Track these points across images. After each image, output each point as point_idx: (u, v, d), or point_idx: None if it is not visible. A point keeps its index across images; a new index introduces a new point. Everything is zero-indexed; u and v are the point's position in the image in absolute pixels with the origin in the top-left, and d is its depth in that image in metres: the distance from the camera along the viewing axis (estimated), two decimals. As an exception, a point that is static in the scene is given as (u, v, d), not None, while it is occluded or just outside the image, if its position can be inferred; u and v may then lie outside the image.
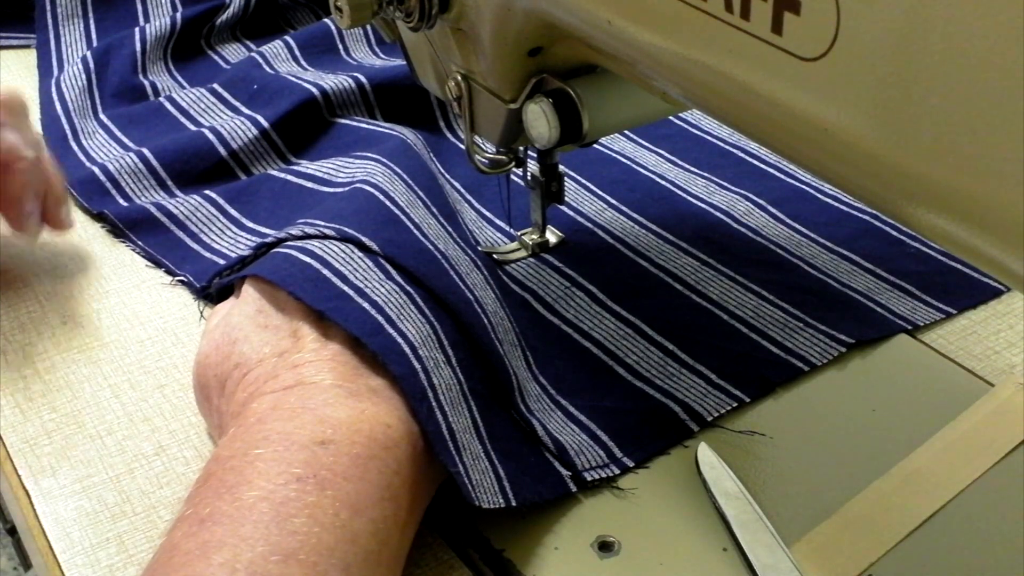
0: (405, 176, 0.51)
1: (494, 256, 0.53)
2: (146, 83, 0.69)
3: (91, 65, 0.69)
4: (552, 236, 0.54)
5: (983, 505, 0.40)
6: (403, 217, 0.46)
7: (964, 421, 0.43)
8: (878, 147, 0.27)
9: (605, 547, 0.38)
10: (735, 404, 0.44)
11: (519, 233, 0.54)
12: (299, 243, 0.42)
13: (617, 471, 0.41)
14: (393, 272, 0.41)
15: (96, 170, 0.58)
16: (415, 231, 0.45)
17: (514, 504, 0.38)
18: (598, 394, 0.45)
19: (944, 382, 0.46)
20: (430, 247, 0.44)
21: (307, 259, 0.41)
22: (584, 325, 0.48)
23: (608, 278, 0.51)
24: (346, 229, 0.43)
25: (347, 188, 0.49)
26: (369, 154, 0.54)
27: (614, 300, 0.50)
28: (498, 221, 0.56)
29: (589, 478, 0.40)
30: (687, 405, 0.44)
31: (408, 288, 0.40)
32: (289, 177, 0.57)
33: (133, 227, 0.55)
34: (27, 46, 0.77)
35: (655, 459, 0.42)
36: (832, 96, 0.27)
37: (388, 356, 0.37)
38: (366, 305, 0.39)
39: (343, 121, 0.62)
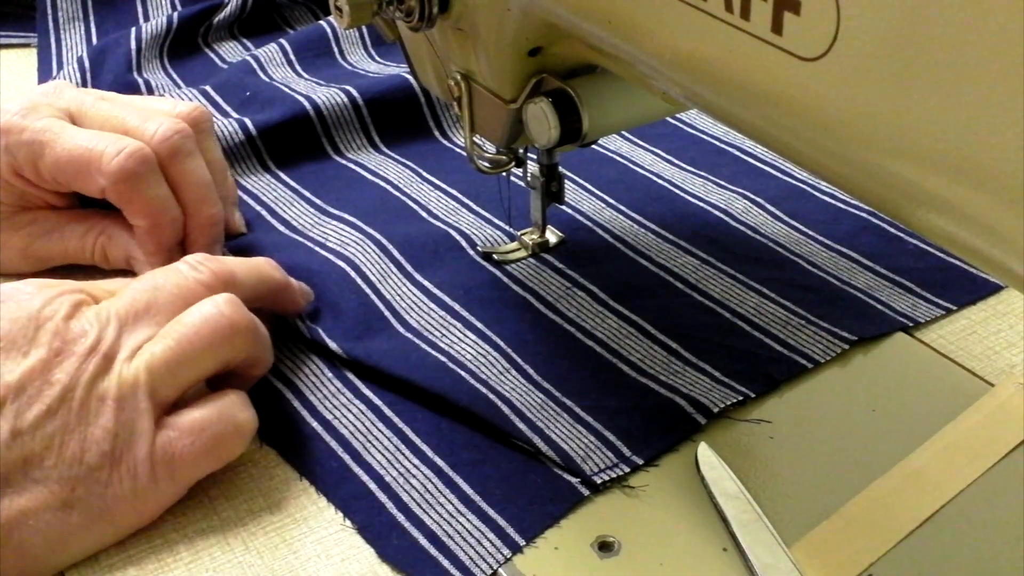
0: (379, 237, 0.53)
1: (494, 256, 0.53)
2: (140, 81, 0.69)
3: (86, 64, 0.69)
4: (552, 236, 0.54)
5: (983, 505, 0.40)
6: (374, 298, 0.50)
7: (964, 421, 0.43)
8: (877, 147, 0.27)
9: (605, 547, 0.38)
10: (740, 399, 0.44)
11: (519, 233, 0.54)
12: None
13: (627, 470, 0.41)
14: (360, 386, 0.45)
15: None
16: (386, 312, 0.49)
17: (523, 544, 0.38)
18: (603, 393, 0.45)
19: (944, 382, 0.46)
20: (400, 330, 0.48)
21: (280, 386, 0.45)
22: (586, 324, 0.48)
23: (609, 277, 0.51)
24: (317, 330, 0.47)
25: (321, 256, 0.52)
26: (346, 216, 0.56)
27: (616, 299, 0.50)
28: (497, 221, 0.56)
29: (599, 480, 0.40)
30: (693, 399, 0.44)
31: (375, 401, 0.44)
32: (262, 212, 0.57)
33: None
34: (27, 45, 0.77)
35: (665, 456, 0.42)
36: (832, 96, 0.27)
37: (352, 506, 0.40)
38: (333, 444, 0.42)
39: (338, 159, 0.62)
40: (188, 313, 0.39)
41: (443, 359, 0.45)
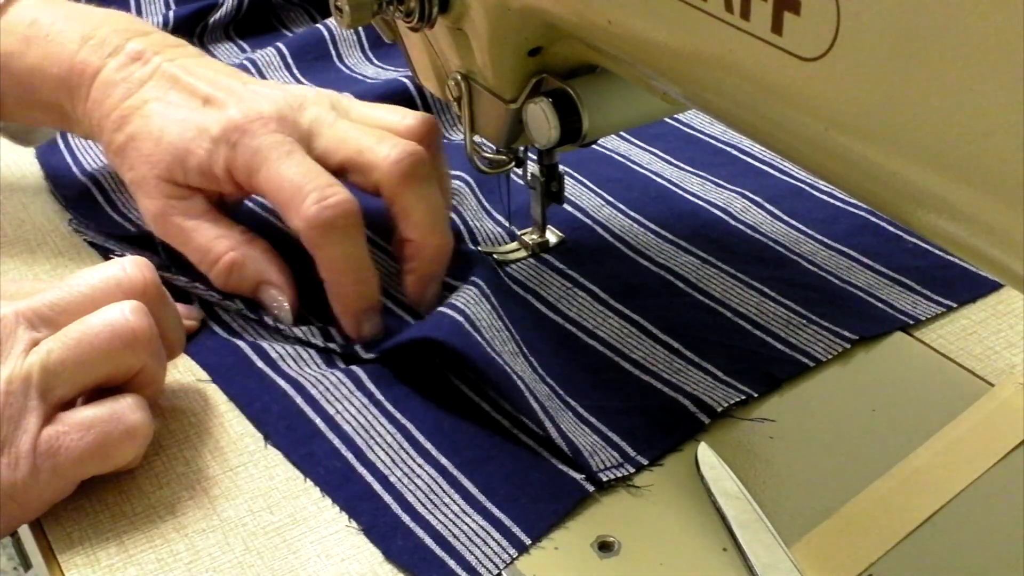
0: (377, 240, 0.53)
1: (494, 256, 0.53)
2: None
3: None
4: (552, 236, 0.54)
5: (983, 505, 0.40)
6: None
7: (964, 421, 0.43)
8: (878, 147, 0.27)
9: (605, 547, 0.38)
10: (743, 398, 0.44)
11: (519, 233, 0.54)
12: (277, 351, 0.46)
13: (632, 470, 0.41)
14: (364, 379, 0.45)
15: (84, 179, 0.59)
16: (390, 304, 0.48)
17: (529, 543, 0.38)
18: (606, 393, 0.45)
19: (944, 382, 0.46)
20: (407, 317, 0.47)
21: (283, 384, 0.45)
22: (588, 324, 0.48)
23: (609, 277, 0.51)
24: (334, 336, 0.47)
25: None
26: None
27: (616, 299, 0.50)
28: (497, 215, 0.56)
29: (604, 479, 0.40)
30: (696, 398, 0.44)
31: (378, 395, 0.44)
32: (270, 218, 0.57)
33: (117, 239, 0.54)
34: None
35: (667, 456, 0.42)
36: (832, 96, 0.27)
37: (357, 507, 0.40)
38: (336, 442, 0.42)
39: None
40: (93, 315, 0.39)
41: (460, 319, 0.44)
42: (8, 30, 0.52)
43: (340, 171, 0.47)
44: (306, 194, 0.45)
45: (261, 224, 0.53)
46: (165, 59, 0.50)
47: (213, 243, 0.48)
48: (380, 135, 0.48)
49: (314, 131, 0.48)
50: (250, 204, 0.56)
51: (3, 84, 0.52)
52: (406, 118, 0.50)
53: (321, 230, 0.45)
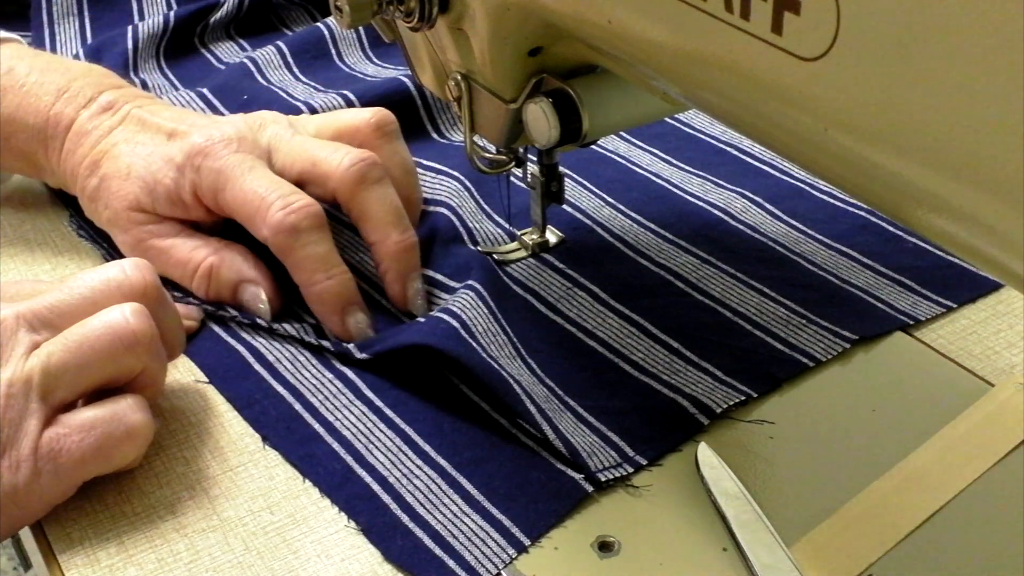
0: None
1: (494, 256, 0.53)
2: (137, 81, 0.69)
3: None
4: (552, 236, 0.54)
5: (983, 505, 0.40)
6: (377, 296, 0.50)
7: (964, 421, 0.43)
8: (878, 147, 0.27)
9: (605, 547, 0.38)
10: (742, 398, 0.44)
11: (519, 233, 0.54)
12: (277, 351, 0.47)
13: (631, 470, 0.41)
14: (362, 387, 0.45)
15: None
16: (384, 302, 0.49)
17: (528, 544, 0.38)
18: (605, 393, 0.45)
19: (944, 382, 0.46)
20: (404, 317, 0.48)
21: (281, 389, 0.45)
22: (588, 324, 0.49)
23: (609, 277, 0.51)
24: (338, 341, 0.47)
25: None
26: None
27: (616, 299, 0.50)
28: (497, 217, 0.56)
29: (603, 479, 0.40)
30: (695, 399, 0.44)
31: (377, 402, 0.44)
32: None
33: (112, 241, 0.54)
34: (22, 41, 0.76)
35: (666, 456, 0.42)
36: (832, 96, 0.27)
37: (356, 507, 0.40)
38: (336, 446, 0.42)
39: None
40: (94, 317, 0.39)
41: (456, 324, 0.45)
42: None
43: (299, 183, 0.49)
44: (270, 203, 0.46)
45: (240, 236, 0.53)
46: (134, 106, 0.52)
47: (191, 254, 0.49)
48: (333, 146, 0.50)
49: (272, 147, 0.50)
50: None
51: None
52: (360, 113, 0.52)
53: (286, 234, 0.46)
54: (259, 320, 0.48)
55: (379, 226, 0.49)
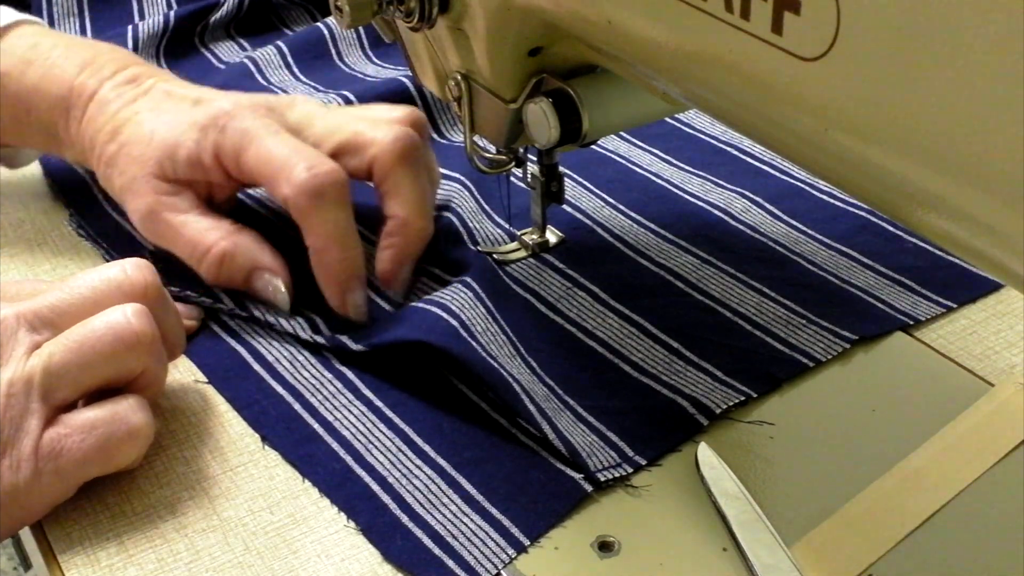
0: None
1: (494, 256, 0.53)
2: None
3: None
4: (552, 236, 0.54)
5: (983, 505, 0.40)
6: (376, 297, 0.49)
7: (964, 421, 0.43)
8: (878, 147, 0.27)
9: (605, 547, 0.38)
10: (742, 399, 0.44)
11: (519, 233, 0.54)
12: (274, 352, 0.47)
13: (630, 470, 0.41)
14: (361, 386, 0.45)
15: (85, 179, 0.59)
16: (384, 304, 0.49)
17: (528, 544, 0.38)
18: (605, 393, 0.45)
19: (944, 382, 0.46)
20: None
21: (281, 389, 0.45)
22: (588, 324, 0.49)
23: (609, 277, 0.51)
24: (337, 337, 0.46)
25: None
26: None
27: (616, 299, 0.50)
28: (497, 217, 0.56)
29: (603, 479, 0.40)
30: (695, 399, 0.44)
31: (376, 402, 0.44)
32: (271, 218, 0.56)
33: (112, 241, 0.54)
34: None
35: (666, 456, 0.42)
36: (832, 96, 0.27)
37: (356, 507, 0.40)
38: (335, 445, 0.42)
39: None
40: (95, 317, 0.39)
41: (455, 324, 0.45)
42: (8, 51, 0.52)
43: (333, 156, 0.48)
44: (295, 164, 0.46)
45: (251, 219, 0.53)
46: (160, 80, 0.52)
47: (203, 235, 0.48)
48: (375, 121, 0.49)
49: (304, 124, 0.50)
50: (240, 196, 0.56)
51: (1, 103, 0.52)
52: (395, 110, 0.52)
53: (309, 196, 0.45)
54: (256, 313, 0.48)
55: (408, 204, 0.49)
